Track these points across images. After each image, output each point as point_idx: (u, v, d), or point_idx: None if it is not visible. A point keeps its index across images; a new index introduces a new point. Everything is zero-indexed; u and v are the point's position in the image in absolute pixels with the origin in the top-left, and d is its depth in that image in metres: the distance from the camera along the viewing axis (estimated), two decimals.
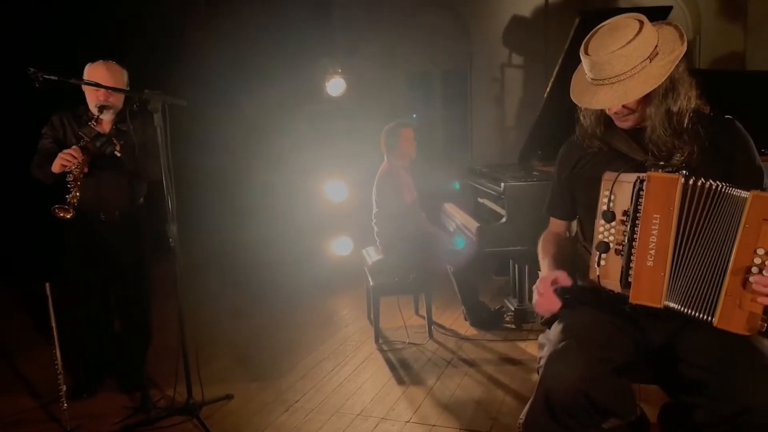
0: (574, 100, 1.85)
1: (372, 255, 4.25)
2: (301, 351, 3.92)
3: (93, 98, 3.02)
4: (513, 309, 4.13)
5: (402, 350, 3.83)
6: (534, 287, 1.89)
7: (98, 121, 3.04)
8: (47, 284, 2.91)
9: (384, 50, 9.15)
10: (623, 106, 1.79)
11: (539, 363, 1.86)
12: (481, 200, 4.33)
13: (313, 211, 5.55)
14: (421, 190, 4.28)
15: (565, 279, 1.85)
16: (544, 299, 1.83)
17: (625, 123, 1.85)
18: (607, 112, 1.86)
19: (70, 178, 2.88)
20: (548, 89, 4.12)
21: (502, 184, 3.48)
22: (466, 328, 4.17)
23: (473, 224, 3.71)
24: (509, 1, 8.80)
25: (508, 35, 8.97)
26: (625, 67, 1.68)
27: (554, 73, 3.97)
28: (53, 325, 2.93)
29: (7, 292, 5.06)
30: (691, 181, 1.67)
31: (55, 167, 2.89)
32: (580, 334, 1.77)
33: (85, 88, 3.03)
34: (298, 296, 5.11)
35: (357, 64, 7.53)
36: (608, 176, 1.81)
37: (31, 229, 3.12)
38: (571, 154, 2.06)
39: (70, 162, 2.86)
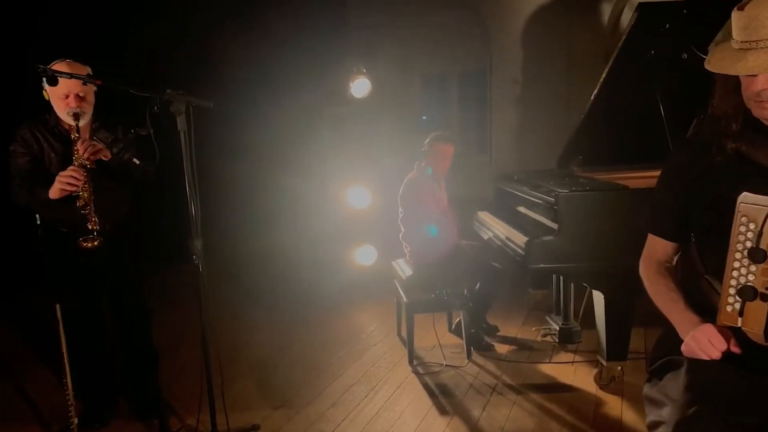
0: (710, 68, 1.52)
1: (404, 268, 3.95)
2: (328, 372, 3.62)
3: (63, 106, 2.63)
4: (558, 327, 3.82)
5: (439, 374, 3.53)
6: (694, 337, 1.55)
7: (78, 130, 2.64)
8: (57, 306, 2.65)
9: (400, 52, 8.88)
10: None
11: (652, 425, 1.53)
12: (520, 209, 4.02)
13: (335, 218, 5.26)
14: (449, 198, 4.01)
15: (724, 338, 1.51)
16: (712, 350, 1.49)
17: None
18: (748, 92, 1.50)
19: (80, 203, 2.58)
20: (597, 90, 3.82)
21: (555, 194, 3.17)
22: (505, 348, 3.87)
23: (519, 237, 3.41)
24: (530, 2, 8.50)
25: (528, 35, 8.67)
26: None
27: (605, 73, 3.67)
28: (64, 350, 2.66)
29: (14, 308, 4.80)
30: None
31: (54, 193, 2.58)
32: (711, 394, 1.44)
33: (52, 96, 2.66)
34: (321, 309, 4.82)
35: (373, 66, 7.26)
36: (748, 200, 1.46)
37: (36, 245, 2.78)
38: (690, 160, 1.66)
39: (74, 185, 2.55)
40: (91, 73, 2.70)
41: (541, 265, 3.19)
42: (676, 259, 1.76)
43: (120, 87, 2.63)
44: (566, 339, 3.80)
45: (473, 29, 8.76)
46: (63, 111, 2.65)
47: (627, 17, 7.29)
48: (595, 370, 3.35)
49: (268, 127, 5.72)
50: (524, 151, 8.34)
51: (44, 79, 2.51)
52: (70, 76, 2.46)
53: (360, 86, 5.02)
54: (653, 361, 1.65)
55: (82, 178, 2.56)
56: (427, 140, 3.88)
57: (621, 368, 3.23)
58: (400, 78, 8.69)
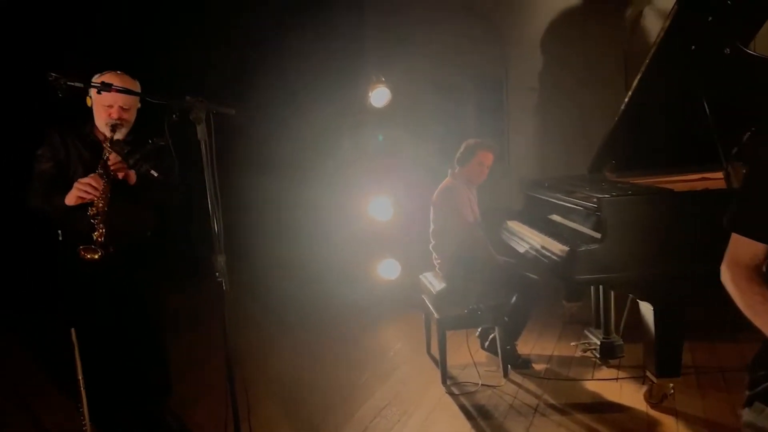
0: None
1: (433, 282, 3.75)
2: (356, 394, 3.42)
3: (104, 116, 2.54)
4: (599, 342, 3.60)
5: (476, 394, 3.32)
6: None
7: (112, 142, 2.52)
8: (73, 330, 2.48)
9: (414, 61, 8.74)
10: None
11: None
12: (553, 217, 3.82)
13: (357, 230, 5.08)
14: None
15: None
16: None
17: None
18: None
19: (92, 211, 2.42)
20: (631, 90, 3.64)
21: (597, 199, 2.97)
22: (542, 365, 3.66)
23: (557, 246, 3.21)
24: (546, 6, 8.35)
25: (545, 43, 8.51)
26: None
27: (640, 72, 3.49)
28: (80, 377, 2.49)
29: (29, 328, 4.64)
30: None
31: (71, 199, 2.44)
32: None
33: (96, 104, 2.56)
34: (344, 325, 4.63)
35: (389, 76, 7.13)
36: None
37: (55, 263, 2.62)
38: None
39: (91, 194, 2.40)
40: (139, 89, 2.60)
41: (586, 276, 2.99)
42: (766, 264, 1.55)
43: (141, 95, 2.52)
44: (608, 354, 3.58)
45: (488, 37, 8.63)
46: (103, 121, 2.55)
47: (651, 20, 7.13)
48: (643, 388, 3.14)
49: (288, 139, 5.58)
50: (545, 158, 8.16)
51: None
52: (94, 87, 2.33)
53: (379, 95, 4.88)
54: (755, 383, 1.44)
55: (100, 186, 2.42)
56: (467, 147, 3.70)
57: (673, 385, 3.01)
58: (415, 87, 8.56)
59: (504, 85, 8.90)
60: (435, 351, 3.71)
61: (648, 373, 3.07)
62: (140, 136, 2.62)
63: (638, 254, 2.89)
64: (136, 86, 2.61)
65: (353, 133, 5.21)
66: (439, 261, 3.77)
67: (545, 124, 8.53)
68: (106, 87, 2.36)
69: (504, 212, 4.50)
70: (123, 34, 4.74)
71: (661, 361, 2.96)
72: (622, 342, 3.60)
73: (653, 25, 7.06)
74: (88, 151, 2.59)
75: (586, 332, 3.82)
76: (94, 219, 2.42)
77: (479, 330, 3.86)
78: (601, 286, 3.62)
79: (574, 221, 3.44)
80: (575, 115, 8.07)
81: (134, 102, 2.61)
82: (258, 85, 5.78)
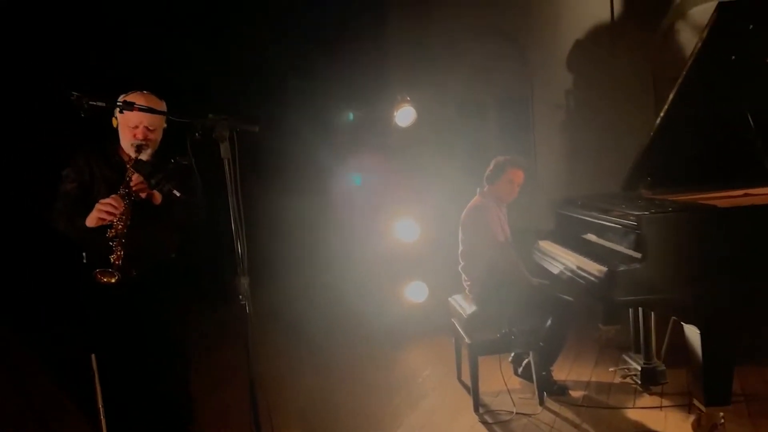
0: None
1: (463, 305, 3.61)
2: (384, 423, 3.29)
3: (130, 136, 2.50)
4: (639, 368, 3.42)
5: (510, 423, 3.16)
6: None
7: (135, 162, 2.48)
8: (93, 356, 2.41)
9: (437, 81, 8.70)
10: None
11: None
12: (588, 236, 3.67)
13: (383, 252, 4.97)
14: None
15: None
16: None
17: None
18: None
19: (111, 233, 2.37)
20: (667, 105, 3.50)
21: (637, 217, 2.83)
22: (579, 392, 3.48)
23: (594, 267, 3.05)
24: (571, 23, 8.27)
25: (571, 60, 8.41)
26: None
27: (677, 84, 3.36)
28: (100, 406, 2.40)
29: (50, 349, 4.60)
30: None
31: (91, 221, 2.40)
32: None
33: (121, 124, 2.53)
34: (370, 350, 4.51)
35: (411, 95, 7.12)
36: None
37: (72, 289, 2.56)
38: None
39: (111, 215, 2.35)
40: (164, 109, 2.57)
41: (626, 298, 2.83)
42: None
43: (166, 114, 2.48)
44: (650, 380, 3.39)
45: (514, 56, 8.56)
46: (128, 141, 2.52)
47: (683, 35, 7.00)
48: (690, 417, 2.96)
49: (313, 160, 5.54)
50: (573, 176, 8.01)
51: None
52: (117, 107, 2.30)
53: (405, 115, 4.83)
54: None
55: (120, 207, 2.36)
56: (497, 164, 3.59)
57: (723, 414, 2.81)
58: (440, 107, 8.50)
59: (530, 102, 8.80)
60: (466, 377, 3.56)
61: (695, 402, 2.87)
62: (163, 155, 2.57)
63: (682, 274, 2.72)
64: (162, 106, 2.57)
65: (378, 153, 5.13)
66: (469, 283, 3.64)
67: (573, 142, 8.40)
68: (128, 106, 2.33)
69: (533, 232, 4.36)
70: (147, 53, 4.75)
71: (709, 388, 2.77)
72: (664, 367, 3.41)
73: (686, 39, 6.92)
74: (113, 172, 2.55)
75: (625, 357, 3.64)
76: (112, 241, 2.37)
77: (512, 355, 3.71)
78: (641, 308, 3.45)
79: (610, 240, 3.29)
80: (603, 133, 7.94)
81: (160, 122, 2.57)
82: (283, 106, 5.77)
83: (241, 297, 2.30)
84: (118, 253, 2.35)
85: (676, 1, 7.22)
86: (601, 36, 8.12)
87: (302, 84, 5.81)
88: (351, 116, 5.33)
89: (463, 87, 8.87)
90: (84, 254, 2.59)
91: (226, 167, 2.26)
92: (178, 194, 2.45)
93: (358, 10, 6.46)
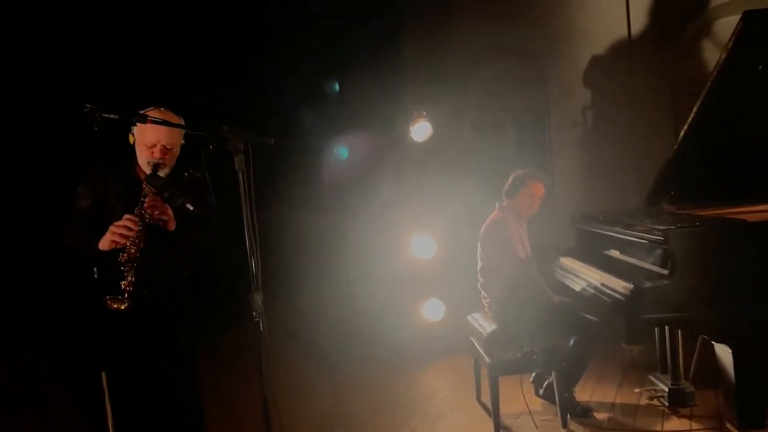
0: None
1: (482, 323, 3.51)
2: None
3: (147, 154, 2.43)
4: (666, 389, 3.29)
5: None
6: None
7: (147, 176, 2.41)
8: (103, 373, 2.35)
9: (453, 98, 8.67)
10: None
11: None
12: (610, 252, 3.56)
13: (399, 269, 4.90)
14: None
15: None
16: None
17: None
18: None
19: (123, 257, 2.30)
20: (691, 118, 3.42)
21: (663, 232, 2.73)
22: (604, 414, 3.36)
23: (619, 283, 2.95)
24: (588, 40, 8.22)
25: (588, 77, 8.35)
26: None
27: (700, 99, 3.28)
28: (110, 425, 2.33)
29: (61, 367, 4.56)
30: None
31: (105, 244, 2.32)
32: None
33: (138, 142, 2.47)
34: (386, 370, 4.41)
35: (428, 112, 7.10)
36: None
37: (82, 305, 2.51)
38: None
39: (125, 237, 2.29)
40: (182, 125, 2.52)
41: (654, 315, 2.72)
42: None
43: (181, 127, 2.44)
44: (678, 402, 3.26)
45: (530, 74, 8.52)
46: (144, 160, 2.44)
47: (703, 48, 6.91)
48: None
49: (328, 177, 5.50)
50: (592, 194, 7.89)
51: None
52: (130, 120, 2.27)
53: (420, 130, 4.79)
54: None
55: (136, 229, 2.30)
56: (516, 177, 3.51)
57: None
58: (455, 125, 8.47)
59: (547, 120, 8.74)
60: (486, 398, 3.46)
61: (728, 425, 2.75)
62: (176, 168, 2.52)
63: (711, 290, 2.63)
64: (178, 121, 2.51)
65: (394, 170, 5.09)
66: (488, 300, 3.54)
67: (590, 160, 8.30)
68: (141, 118, 2.29)
69: (553, 250, 4.27)
70: (162, 68, 4.77)
71: (742, 410, 2.66)
72: (693, 389, 3.28)
73: (706, 54, 6.83)
74: (128, 189, 2.48)
75: (651, 378, 3.51)
76: (124, 266, 2.30)
77: (533, 375, 3.60)
78: (667, 327, 3.33)
79: (635, 256, 3.19)
80: (621, 150, 7.84)
81: (177, 141, 2.50)
82: (300, 124, 5.76)
83: (255, 314, 2.23)
84: (129, 278, 2.29)
85: (698, 16, 7.15)
86: (618, 52, 8.05)
87: (319, 103, 5.82)
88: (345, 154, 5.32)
89: (480, 105, 8.83)
90: (95, 269, 2.55)
91: (241, 180, 2.21)
92: (191, 208, 2.40)
93: (374, 31, 6.48)
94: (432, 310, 4.85)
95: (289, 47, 5.78)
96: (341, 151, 5.40)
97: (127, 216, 2.31)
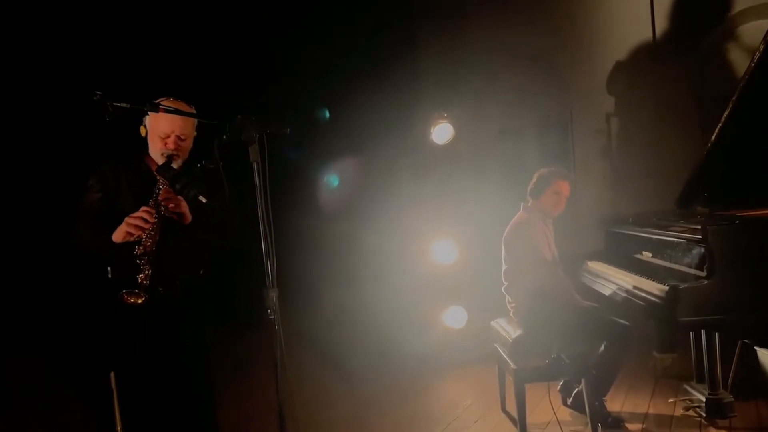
0: None
1: (507, 329, 3.36)
2: None
3: (160, 146, 2.36)
4: (703, 399, 3.11)
5: None
6: None
7: (159, 167, 2.34)
8: (112, 373, 2.25)
9: (474, 106, 8.58)
10: None
11: None
12: (641, 255, 3.40)
13: (419, 276, 4.77)
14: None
15: None
16: None
17: None
18: None
19: (139, 250, 2.22)
20: (723, 119, 3.26)
21: (701, 230, 2.58)
22: (637, 425, 3.18)
23: (653, 286, 2.80)
24: (611, 45, 8.08)
25: (611, 84, 8.21)
26: None
27: (734, 97, 3.12)
28: (119, 428, 2.23)
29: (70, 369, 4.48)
30: None
31: (119, 236, 2.24)
32: None
33: (151, 133, 2.40)
34: (406, 378, 4.26)
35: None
36: None
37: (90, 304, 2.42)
38: None
39: (141, 229, 2.20)
40: (195, 121, 2.43)
41: (692, 318, 2.57)
42: None
43: (193, 115, 2.37)
44: (716, 413, 3.07)
45: (551, 79, 8.41)
46: (158, 151, 2.36)
47: (730, 52, 6.75)
48: None
49: (347, 181, 5.42)
50: (615, 200, 7.73)
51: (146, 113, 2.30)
52: (141, 108, 2.19)
53: (442, 131, 4.69)
54: None
55: (152, 221, 2.22)
56: (541, 176, 3.38)
57: None
58: (476, 130, 8.37)
59: (569, 126, 8.60)
60: (511, 407, 3.31)
61: None
62: (189, 160, 2.43)
63: (753, 292, 2.46)
64: (191, 111, 2.44)
65: (414, 174, 4.98)
66: (513, 305, 3.39)
67: (614, 166, 8.13)
68: (153, 107, 2.21)
69: (577, 255, 4.12)
70: (178, 61, 4.73)
71: None
72: (732, 398, 3.09)
73: (732, 58, 6.66)
74: (140, 181, 2.41)
75: (686, 387, 3.33)
76: (140, 259, 2.22)
77: (561, 383, 3.44)
78: (704, 333, 3.15)
79: (669, 257, 3.03)
80: (646, 156, 7.68)
81: (191, 131, 2.42)
82: (318, 128, 5.70)
83: (269, 311, 2.12)
84: (146, 272, 2.21)
85: (722, 21, 6.99)
86: (642, 57, 7.91)
87: (337, 108, 5.75)
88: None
89: (501, 111, 8.73)
90: (109, 269, 2.46)
91: (255, 171, 2.11)
92: (204, 200, 2.30)
93: (391, 35, 6.41)
94: (453, 318, 4.71)
95: (306, 58, 5.74)
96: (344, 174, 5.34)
97: (143, 207, 2.23)
